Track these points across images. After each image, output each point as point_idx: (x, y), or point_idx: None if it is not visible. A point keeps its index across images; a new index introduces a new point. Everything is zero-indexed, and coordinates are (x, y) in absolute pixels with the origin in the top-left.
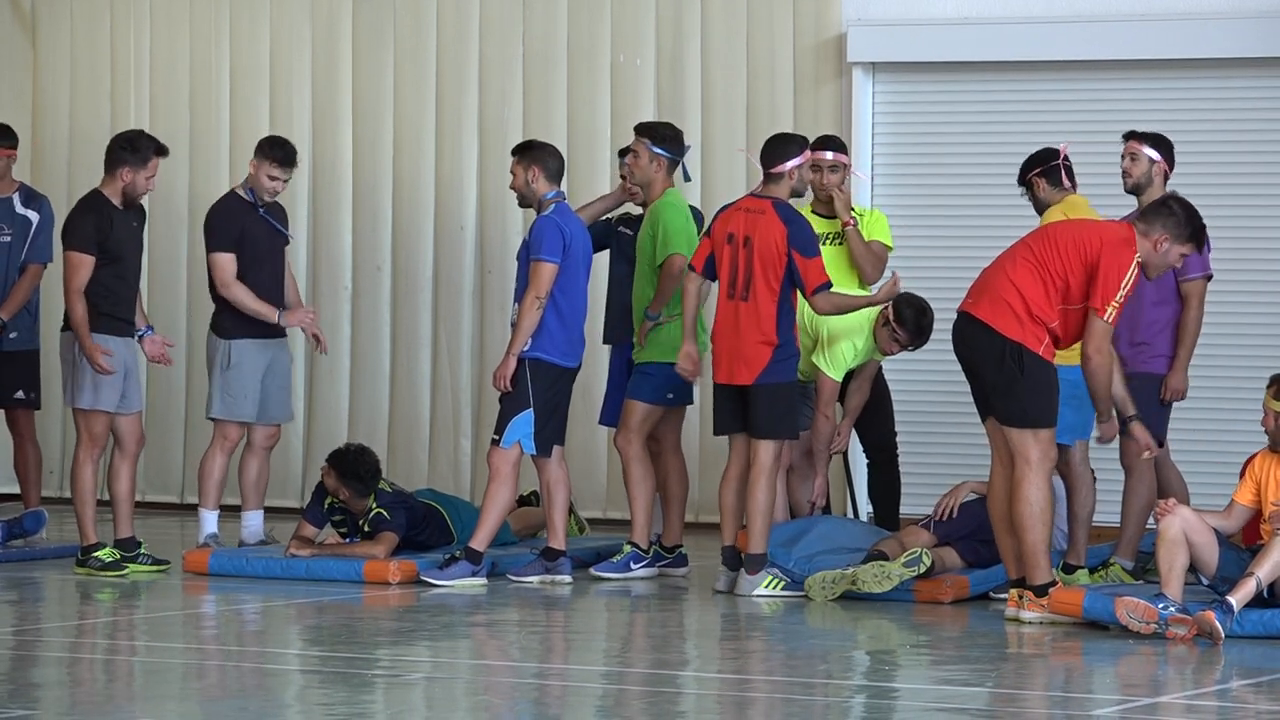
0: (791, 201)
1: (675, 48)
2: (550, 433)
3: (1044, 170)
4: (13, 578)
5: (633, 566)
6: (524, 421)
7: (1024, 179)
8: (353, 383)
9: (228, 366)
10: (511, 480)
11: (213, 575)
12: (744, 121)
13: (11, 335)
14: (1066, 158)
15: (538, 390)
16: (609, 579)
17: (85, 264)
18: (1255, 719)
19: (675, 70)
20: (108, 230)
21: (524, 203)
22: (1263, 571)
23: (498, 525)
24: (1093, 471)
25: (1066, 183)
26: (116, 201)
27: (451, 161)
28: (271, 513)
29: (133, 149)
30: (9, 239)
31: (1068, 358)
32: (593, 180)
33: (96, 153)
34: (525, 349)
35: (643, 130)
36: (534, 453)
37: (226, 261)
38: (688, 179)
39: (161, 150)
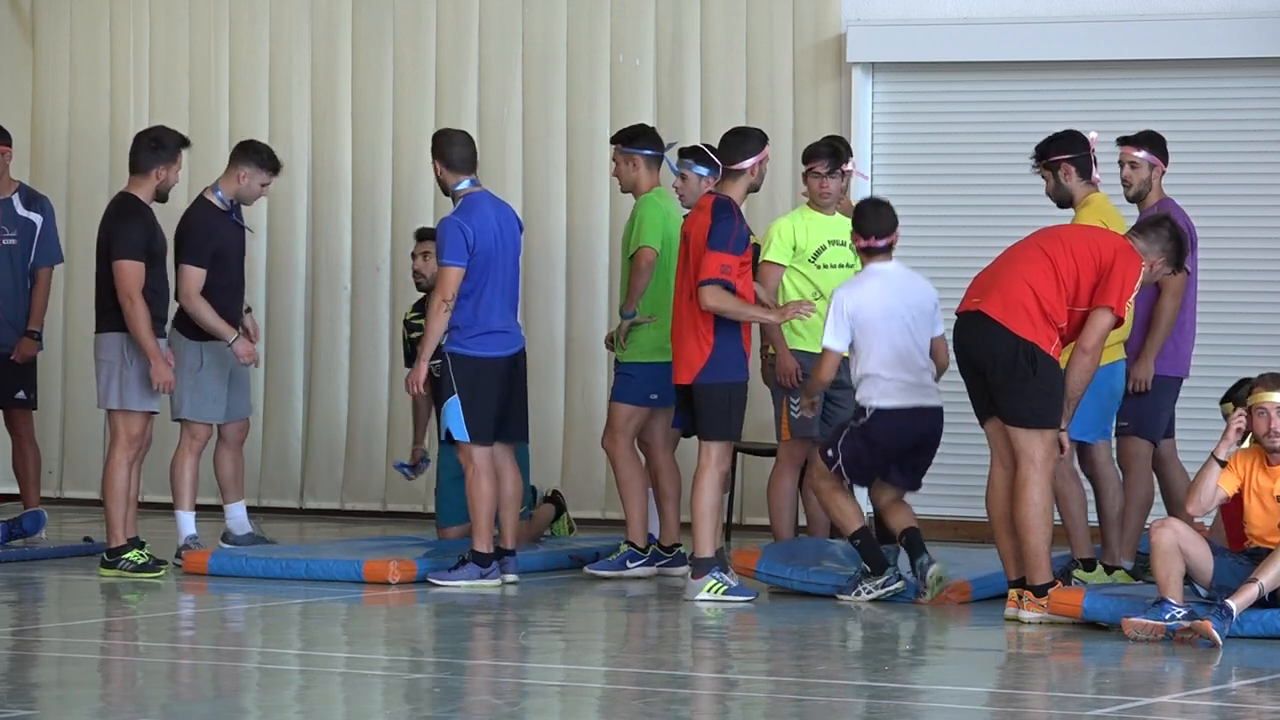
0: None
1: (675, 48)
2: (483, 422)
3: (1076, 159)
4: (13, 578)
5: (629, 565)
6: (452, 408)
7: (1050, 161)
8: (352, 382)
9: (200, 367)
10: (486, 471)
11: (212, 575)
12: (744, 121)
13: (41, 349)
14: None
15: (460, 379)
16: (605, 577)
17: (140, 271)
18: (1256, 719)
19: (675, 70)
20: (150, 235)
21: (446, 192)
22: (1266, 579)
23: (490, 519)
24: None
25: (1096, 174)
26: (148, 201)
27: None
28: (272, 513)
29: (161, 146)
30: (14, 241)
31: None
32: (592, 180)
33: (96, 152)
34: (444, 343)
35: (613, 140)
36: (466, 440)
37: (197, 276)
38: (676, 173)
39: (184, 142)
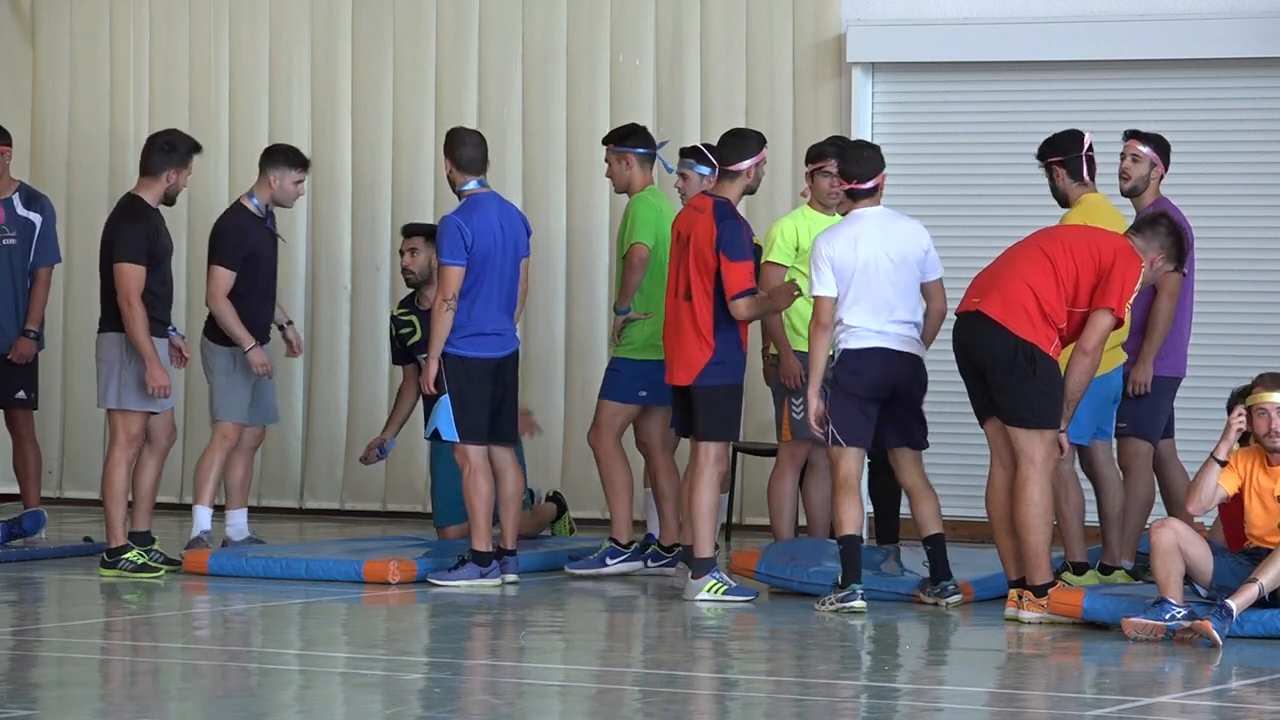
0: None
1: (675, 48)
2: (475, 421)
3: (1065, 160)
4: (13, 578)
5: (608, 562)
6: (442, 408)
7: (1046, 163)
8: (352, 382)
9: (232, 370)
10: (482, 471)
11: (212, 575)
12: (744, 121)
13: (42, 349)
14: (1090, 148)
15: (451, 379)
16: (582, 576)
17: (140, 274)
18: (1256, 719)
19: (675, 70)
20: (155, 238)
21: (455, 191)
22: (1266, 579)
23: (487, 518)
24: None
25: (1086, 176)
26: (155, 203)
27: None
28: (270, 513)
29: (174, 149)
30: (13, 241)
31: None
32: (592, 180)
33: (96, 152)
34: None
35: (605, 140)
36: (455, 439)
37: (225, 278)
38: (669, 170)
39: (196, 147)
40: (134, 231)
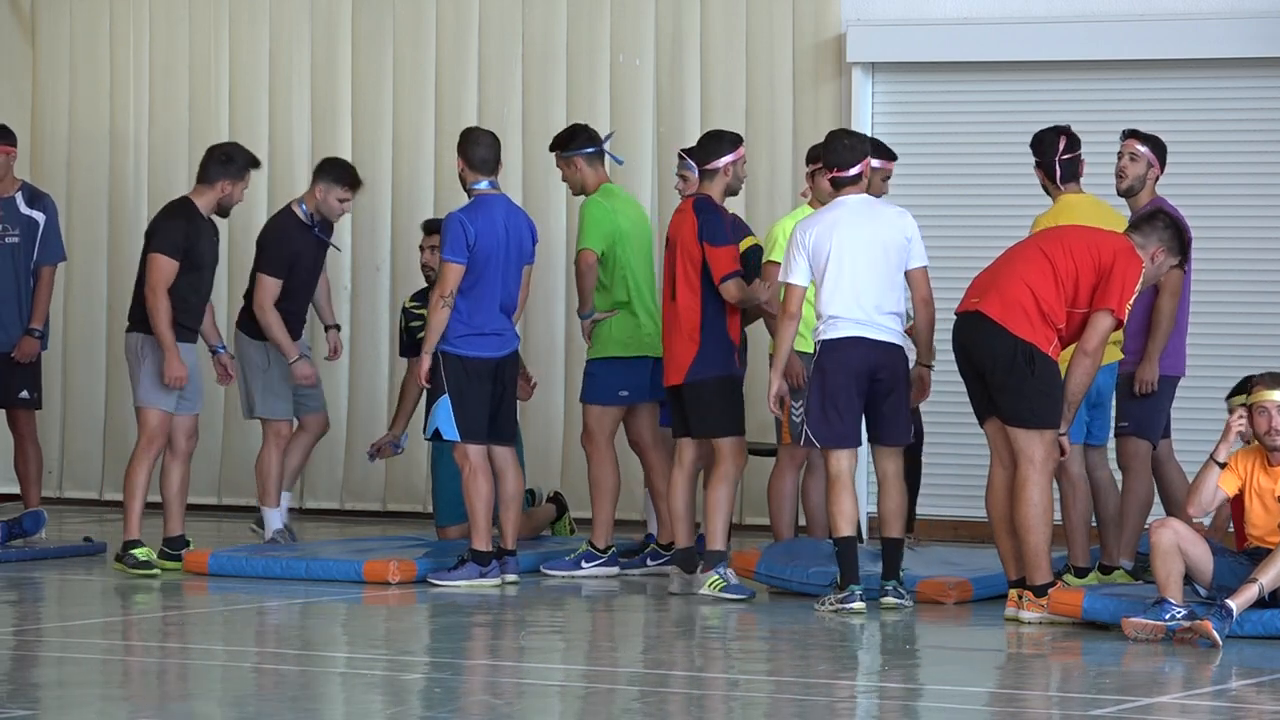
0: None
1: (675, 48)
2: (475, 420)
3: (1040, 164)
4: (13, 578)
5: (584, 565)
6: (442, 407)
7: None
8: (352, 383)
9: (268, 366)
10: (482, 471)
11: (212, 575)
12: (743, 121)
13: (45, 349)
14: (1064, 152)
15: (450, 378)
16: (555, 576)
17: (171, 267)
18: (1256, 719)
19: (675, 70)
20: (194, 239)
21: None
22: (1266, 579)
23: (487, 518)
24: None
25: (1060, 180)
26: (206, 212)
27: (450, 161)
28: None
29: (230, 161)
30: (16, 239)
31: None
32: None
33: (96, 152)
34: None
35: (551, 148)
36: (456, 439)
37: (271, 286)
38: (619, 162)
39: (254, 162)
40: (173, 228)
